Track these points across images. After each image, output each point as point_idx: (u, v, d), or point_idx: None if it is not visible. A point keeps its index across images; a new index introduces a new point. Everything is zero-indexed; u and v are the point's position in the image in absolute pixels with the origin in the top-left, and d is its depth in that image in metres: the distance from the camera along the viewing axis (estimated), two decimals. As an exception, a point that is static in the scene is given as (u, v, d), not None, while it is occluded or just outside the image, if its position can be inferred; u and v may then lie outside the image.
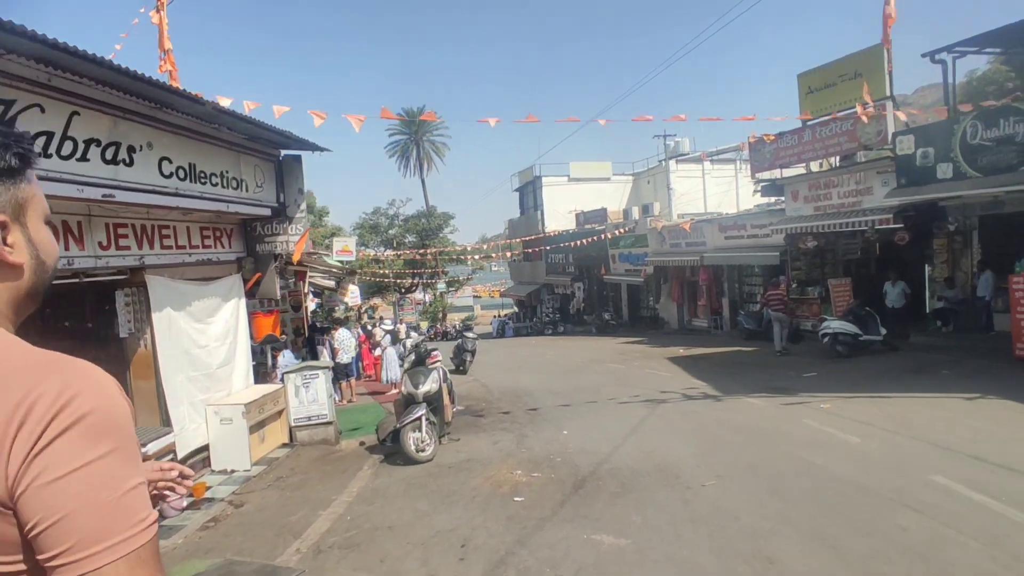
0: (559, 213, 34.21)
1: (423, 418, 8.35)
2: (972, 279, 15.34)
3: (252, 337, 9.94)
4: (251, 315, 9.99)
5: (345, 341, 14.90)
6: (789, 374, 12.58)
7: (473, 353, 18.59)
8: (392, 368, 15.67)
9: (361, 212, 51.95)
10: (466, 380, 16.74)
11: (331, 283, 18.53)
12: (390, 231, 41.20)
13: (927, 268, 17.01)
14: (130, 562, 0.84)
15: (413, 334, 23.00)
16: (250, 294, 9.72)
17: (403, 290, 41.99)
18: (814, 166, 19.19)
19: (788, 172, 19.69)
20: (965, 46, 15.82)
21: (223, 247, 9.18)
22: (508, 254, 37.95)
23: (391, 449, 8.86)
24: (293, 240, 9.73)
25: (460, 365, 18.34)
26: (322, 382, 9.57)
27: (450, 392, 9.81)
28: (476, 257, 41.72)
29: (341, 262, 14.16)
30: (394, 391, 15.64)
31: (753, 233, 20.86)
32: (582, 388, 13.25)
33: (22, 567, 0.85)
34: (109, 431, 0.86)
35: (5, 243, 0.95)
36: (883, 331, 14.17)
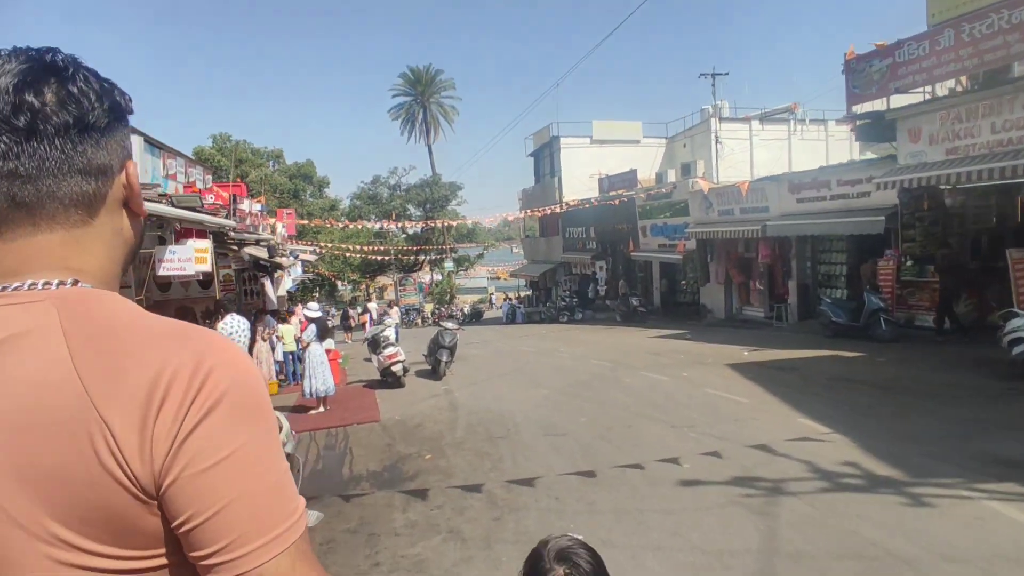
0: (579, 180, 28.00)
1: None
2: None
3: None
4: None
5: (236, 335, 9.20)
6: (985, 418, 6.52)
7: (452, 351, 12.77)
8: (318, 374, 9.96)
9: (360, 181, 45.88)
10: (436, 391, 11.03)
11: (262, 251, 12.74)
12: (391, 203, 35.31)
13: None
14: (292, 556, 0.70)
15: (387, 320, 17.34)
16: None
17: (405, 268, 36.30)
18: (939, 91, 12.90)
19: (897, 103, 13.40)
20: None
21: None
22: (509, 217, 31.77)
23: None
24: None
25: (435, 367, 12.59)
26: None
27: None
28: (488, 228, 35.76)
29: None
30: (320, 410, 9.99)
31: (841, 192, 14.63)
32: (608, 426, 7.37)
33: (163, 561, 0.70)
34: (253, 408, 0.71)
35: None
36: (1109, 336, 8.04)
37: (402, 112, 41.55)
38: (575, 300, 25.87)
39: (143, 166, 11.59)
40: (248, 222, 9.72)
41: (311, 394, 9.92)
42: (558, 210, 25.27)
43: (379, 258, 34.14)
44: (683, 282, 21.87)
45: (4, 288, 0.70)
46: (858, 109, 13.77)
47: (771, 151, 26.18)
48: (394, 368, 11.65)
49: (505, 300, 33.24)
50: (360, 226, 31.72)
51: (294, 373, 13.32)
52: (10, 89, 0.69)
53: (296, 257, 16.35)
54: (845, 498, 4.67)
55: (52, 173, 0.71)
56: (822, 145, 27.78)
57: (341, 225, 30.45)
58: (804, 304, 16.40)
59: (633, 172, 23.98)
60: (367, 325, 25.25)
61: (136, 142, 11.25)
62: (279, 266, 13.35)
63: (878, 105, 13.72)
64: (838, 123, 28.62)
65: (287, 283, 21.48)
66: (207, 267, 6.80)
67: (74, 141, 0.72)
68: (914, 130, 12.53)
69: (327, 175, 40.45)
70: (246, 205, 9.74)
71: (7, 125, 0.69)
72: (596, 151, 28.82)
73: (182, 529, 0.67)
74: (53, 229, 0.73)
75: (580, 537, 1.45)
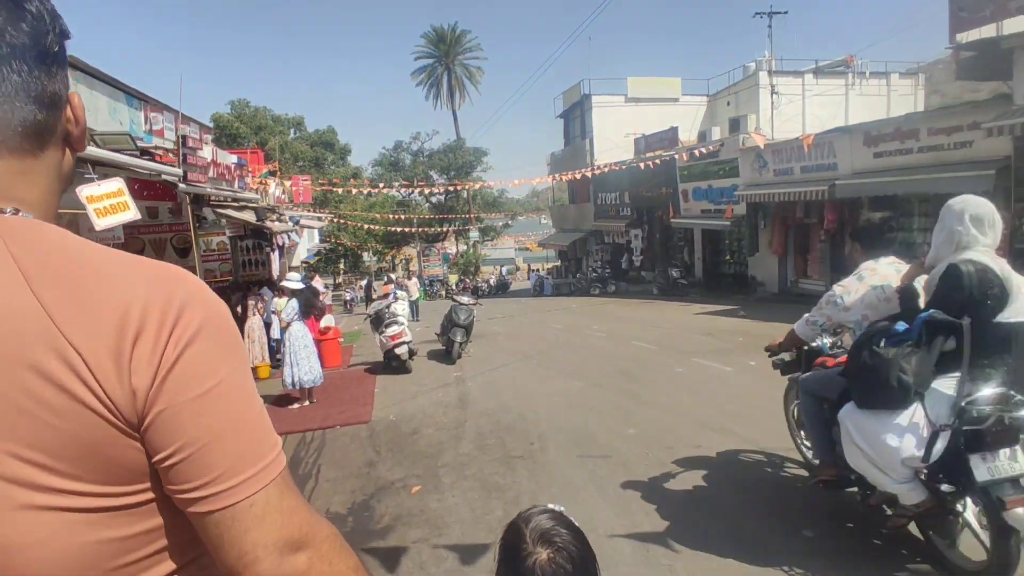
0: (612, 142, 25.46)
1: None
2: None
3: None
4: None
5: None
6: None
7: (467, 329, 10.77)
8: (301, 360, 8.04)
9: (382, 147, 43.29)
10: (447, 379, 9.05)
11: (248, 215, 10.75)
12: (414, 170, 33.14)
13: None
14: (279, 486, 0.68)
15: (398, 293, 15.37)
16: None
17: (429, 239, 34.30)
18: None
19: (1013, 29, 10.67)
20: None
21: None
22: (537, 182, 29.48)
23: None
24: None
25: (448, 348, 10.63)
26: None
27: None
28: (516, 199, 33.49)
29: None
30: (305, 404, 8.11)
31: (933, 144, 12.01)
32: (667, 443, 5.24)
33: (149, 496, 0.66)
34: (229, 340, 0.69)
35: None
36: None
37: (425, 75, 38.97)
38: (607, 271, 23.61)
39: (118, 118, 9.71)
40: (212, 173, 7.72)
41: (294, 384, 8.00)
42: (589, 174, 22.87)
43: (401, 230, 32.17)
44: (728, 256, 19.39)
45: None
46: (963, 38, 11.06)
47: (825, 107, 23.29)
48: (398, 351, 9.68)
49: (532, 271, 31.10)
50: (380, 192, 29.65)
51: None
52: None
53: (297, 223, 14.39)
54: None
55: (8, 98, 0.64)
56: (882, 101, 24.69)
57: (358, 191, 28.41)
58: (877, 276, 13.91)
59: (674, 130, 21.40)
60: (390, 296, 23.49)
61: (108, 91, 9.36)
62: (270, 231, 11.37)
63: (986, 33, 11.02)
64: (902, 76, 25.53)
65: (301, 252, 19.58)
66: (129, 215, 4.74)
67: (30, 65, 0.65)
68: (1040, 60, 9.87)
69: (349, 142, 38.32)
70: (207, 152, 7.69)
71: None
72: (631, 110, 26.17)
73: (168, 462, 0.63)
74: (2, 157, 0.66)
75: (560, 508, 1.29)
